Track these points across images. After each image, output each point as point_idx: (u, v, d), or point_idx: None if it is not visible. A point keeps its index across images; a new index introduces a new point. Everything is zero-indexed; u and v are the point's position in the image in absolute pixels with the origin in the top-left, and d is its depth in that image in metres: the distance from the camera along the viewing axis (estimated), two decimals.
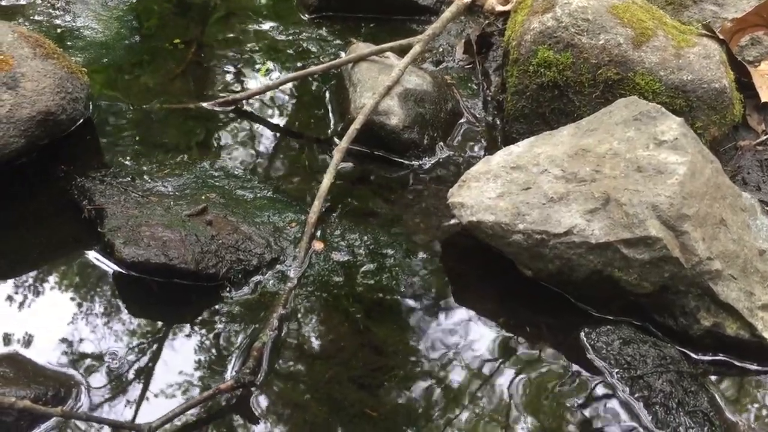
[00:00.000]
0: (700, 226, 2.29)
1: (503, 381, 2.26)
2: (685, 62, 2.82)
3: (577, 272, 2.37)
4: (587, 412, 2.17)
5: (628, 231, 2.28)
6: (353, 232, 2.67)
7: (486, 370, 2.30)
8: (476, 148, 3.10)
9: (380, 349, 2.33)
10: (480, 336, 2.39)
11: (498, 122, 3.19)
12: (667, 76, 2.80)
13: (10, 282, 2.39)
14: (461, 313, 2.46)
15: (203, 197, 2.67)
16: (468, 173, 2.62)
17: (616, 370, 2.23)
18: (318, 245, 2.60)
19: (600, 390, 2.22)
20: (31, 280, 2.41)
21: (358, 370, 2.26)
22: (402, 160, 2.99)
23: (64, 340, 2.25)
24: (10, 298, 2.35)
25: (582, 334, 2.34)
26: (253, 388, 2.16)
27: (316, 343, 2.33)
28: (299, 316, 2.39)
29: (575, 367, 2.28)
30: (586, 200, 2.37)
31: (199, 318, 2.35)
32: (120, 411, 2.08)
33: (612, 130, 2.53)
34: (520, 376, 2.28)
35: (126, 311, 2.36)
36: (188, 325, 2.34)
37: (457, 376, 2.27)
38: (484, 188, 2.52)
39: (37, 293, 2.37)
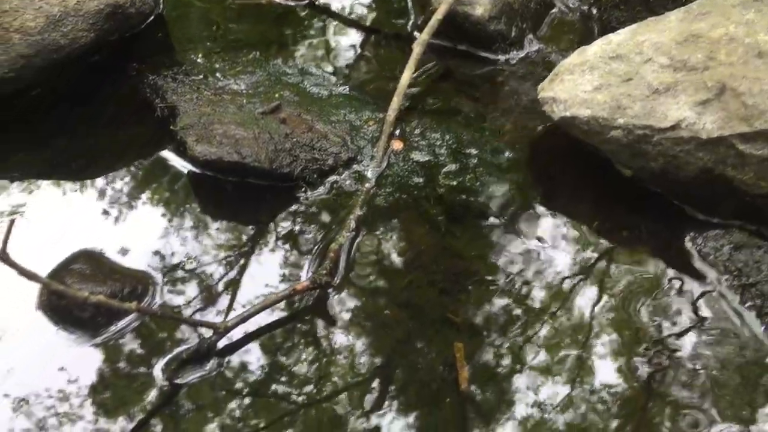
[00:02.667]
0: None
1: (597, 288, 2.10)
2: None
3: (683, 171, 2.14)
4: (692, 322, 1.99)
5: (745, 124, 2.02)
6: (434, 131, 2.50)
7: (577, 276, 2.13)
8: (569, 40, 2.83)
9: (462, 253, 2.19)
10: (571, 240, 2.22)
11: (594, 11, 2.90)
12: None
13: (86, 182, 2.36)
14: (551, 216, 2.28)
15: (277, 95, 2.54)
16: (561, 65, 2.38)
17: (726, 278, 2.03)
18: (397, 144, 2.45)
19: (707, 299, 2.02)
20: (105, 180, 2.36)
21: (439, 274, 2.14)
22: (487, 55, 2.76)
23: (139, 239, 2.20)
24: (85, 198, 2.32)
25: (687, 238, 2.14)
26: (329, 290, 2.07)
27: (394, 246, 2.21)
28: (377, 218, 2.26)
29: (679, 275, 2.09)
30: (697, 90, 2.12)
31: (275, 219, 2.26)
32: (195, 309, 2.04)
33: (728, 13, 2.24)
34: (617, 283, 2.10)
35: (201, 211, 2.30)
36: (263, 226, 2.26)
37: (544, 283, 2.11)
38: (578, 81, 2.29)
39: (111, 193, 2.33)
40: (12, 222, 1.53)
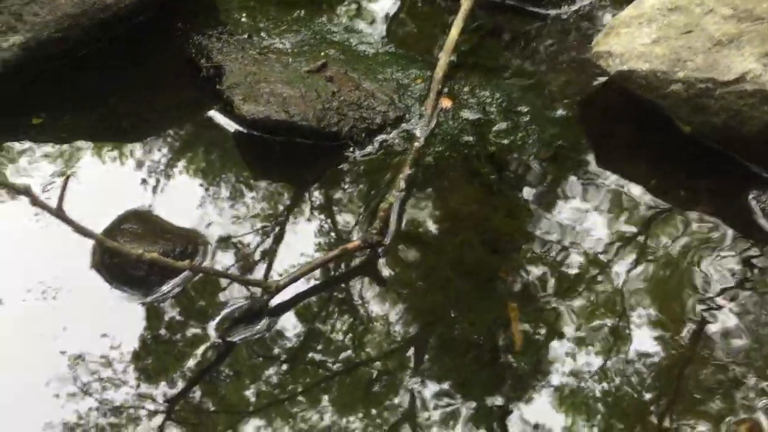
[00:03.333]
0: None
1: (654, 249, 2.04)
2: None
3: (747, 126, 2.06)
4: (754, 284, 1.92)
5: None
6: (484, 88, 2.44)
7: (633, 237, 2.08)
8: None
9: (514, 212, 2.15)
10: (628, 200, 2.15)
11: None
12: None
13: (133, 142, 2.34)
14: (606, 176, 2.21)
15: (322, 53, 2.50)
16: (616, 18, 2.30)
17: None
18: (446, 102, 2.39)
19: None
20: (153, 140, 2.35)
21: (491, 233, 2.10)
22: (538, 10, 2.68)
23: (188, 200, 2.20)
24: (133, 158, 2.31)
25: (750, 197, 2.06)
26: (380, 249, 2.05)
27: (446, 205, 2.17)
28: (427, 177, 2.22)
29: (741, 234, 2.02)
30: (764, 41, 2.02)
31: (324, 179, 2.24)
32: (246, 269, 2.03)
33: None
34: (676, 244, 2.04)
35: (248, 172, 2.28)
36: (312, 186, 2.23)
37: (598, 243, 2.06)
38: (635, 34, 2.21)
39: (159, 153, 2.32)
40: (67, 178, 1.53)
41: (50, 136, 2.34)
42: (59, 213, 1.55)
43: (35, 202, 1.52)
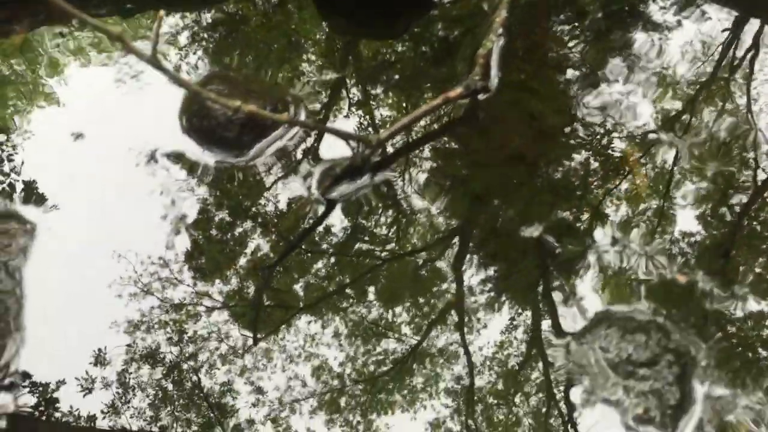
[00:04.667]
0: None
1: None
2: None
3: None
4: None
5: None
6: None
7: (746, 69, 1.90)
8: None
9: (626, 50, 1.97)
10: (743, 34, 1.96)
11: None
12: None
13: (201, 5, 2.20)
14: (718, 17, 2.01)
15: None
16: None
17: None
18: None
19: None
20: (223, 3, 2.20)
21: (601, 76, 1.94)
22: None
23: (270, 59, 2.07)
24: (204, 22, 2.17)
25: None
26: (482, 96, 1.90)
27: (549, 47, 2.00)
28: (526, 18, 2.04)
29: None
30: None
31: (413, 27, 2.07)
32: (340, 126, 1.91)
33: None
34: None
35: (331, 25, 2.13)
36: (402, 36, 2.07)
37: (717, 77, 1.89)
38: None
39: (233, 14, 2.17)
40: (160, 19, 1.39)
41: (111, 3, 2.21)
42: (153, 60, 1.43)
43: (128, 48, 1.40)
